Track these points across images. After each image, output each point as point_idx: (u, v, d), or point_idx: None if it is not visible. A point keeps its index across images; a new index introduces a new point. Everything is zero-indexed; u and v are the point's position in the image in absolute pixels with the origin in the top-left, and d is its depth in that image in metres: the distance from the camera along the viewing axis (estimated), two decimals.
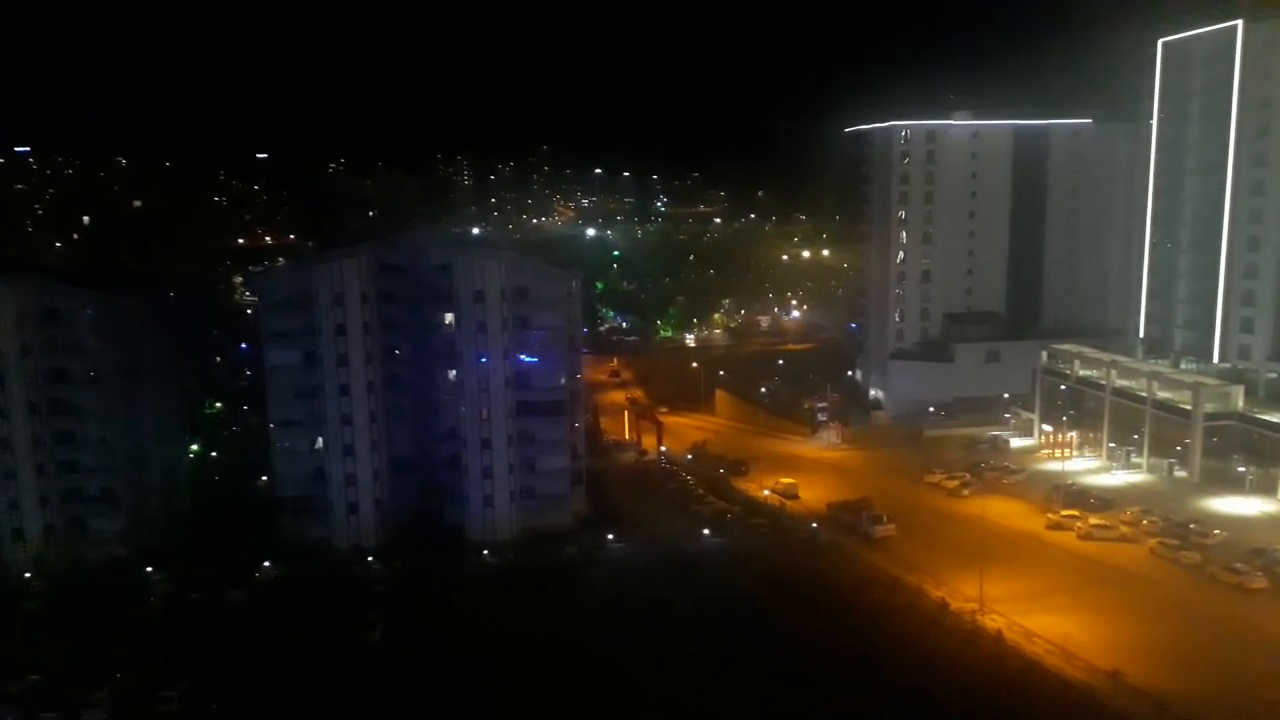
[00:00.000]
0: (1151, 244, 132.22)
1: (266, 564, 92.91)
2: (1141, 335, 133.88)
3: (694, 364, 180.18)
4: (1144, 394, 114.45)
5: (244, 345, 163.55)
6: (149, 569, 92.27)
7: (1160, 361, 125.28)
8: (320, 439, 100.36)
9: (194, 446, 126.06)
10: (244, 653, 76.48)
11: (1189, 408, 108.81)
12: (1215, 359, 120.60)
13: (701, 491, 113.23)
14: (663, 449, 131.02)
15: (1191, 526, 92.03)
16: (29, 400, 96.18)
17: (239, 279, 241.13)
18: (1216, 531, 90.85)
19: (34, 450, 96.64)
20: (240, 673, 73.45)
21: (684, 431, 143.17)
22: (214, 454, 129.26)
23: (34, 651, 77.33)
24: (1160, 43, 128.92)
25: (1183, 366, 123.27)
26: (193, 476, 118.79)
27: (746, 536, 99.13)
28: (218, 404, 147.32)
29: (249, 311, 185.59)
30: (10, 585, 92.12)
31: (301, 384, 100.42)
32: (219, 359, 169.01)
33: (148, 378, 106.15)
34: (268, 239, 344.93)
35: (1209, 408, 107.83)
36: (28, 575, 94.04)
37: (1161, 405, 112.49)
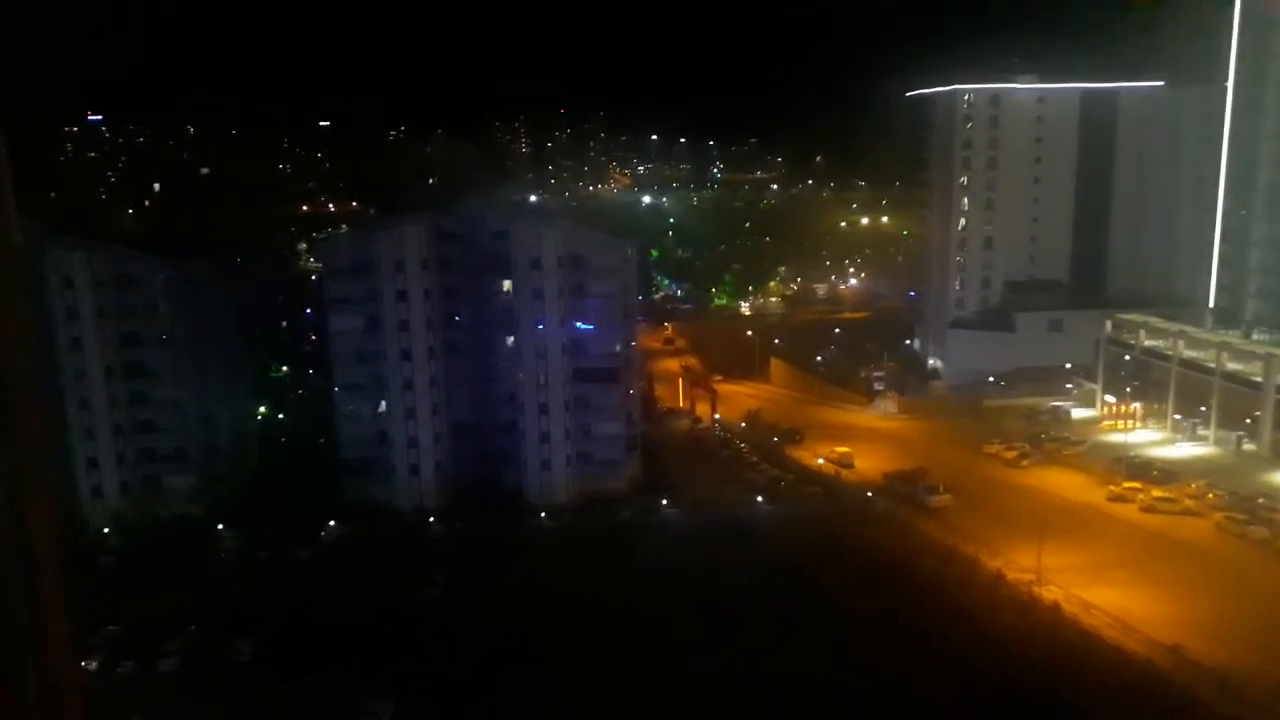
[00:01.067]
0: (1224, 211, 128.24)
1: (331, 523, 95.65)
2: (1211, 305, 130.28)
3: (749, 332, 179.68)
4: (1212, 365, 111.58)
5: (309, 310, 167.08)
6: (219, 526, 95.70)
7: (1230, 332, 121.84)
8: (383, 402, 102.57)
9: (261, 409, 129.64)
10: (309, 608, 79.11)
11: (1260, 379, 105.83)
12: None
13: (755, 459, 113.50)
14: (717, 417, 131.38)
15: (1260, 501, 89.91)
16: (105, 363, 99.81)
17: (303, 245, 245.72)
18: None
19: (110, 411, 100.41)
20: (306, 627, 76.01)
21: (738, 400, 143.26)
22: (280, 416, 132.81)
23: (111, 604, 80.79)
24: (1238, 2, 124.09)
25: (1254, 337, 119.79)
26: (260, 438, 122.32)
27: (800, 504, 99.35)
28: (284, 368, 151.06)
29: (313, 277, 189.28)
30: (89, 540, 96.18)
31: (364, 349, 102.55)
32: (285, 324, 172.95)
33: (216, 341, 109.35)
34: (331, 206, 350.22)
35: None
36: (105, 530, 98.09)
37: (1231, 376, 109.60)
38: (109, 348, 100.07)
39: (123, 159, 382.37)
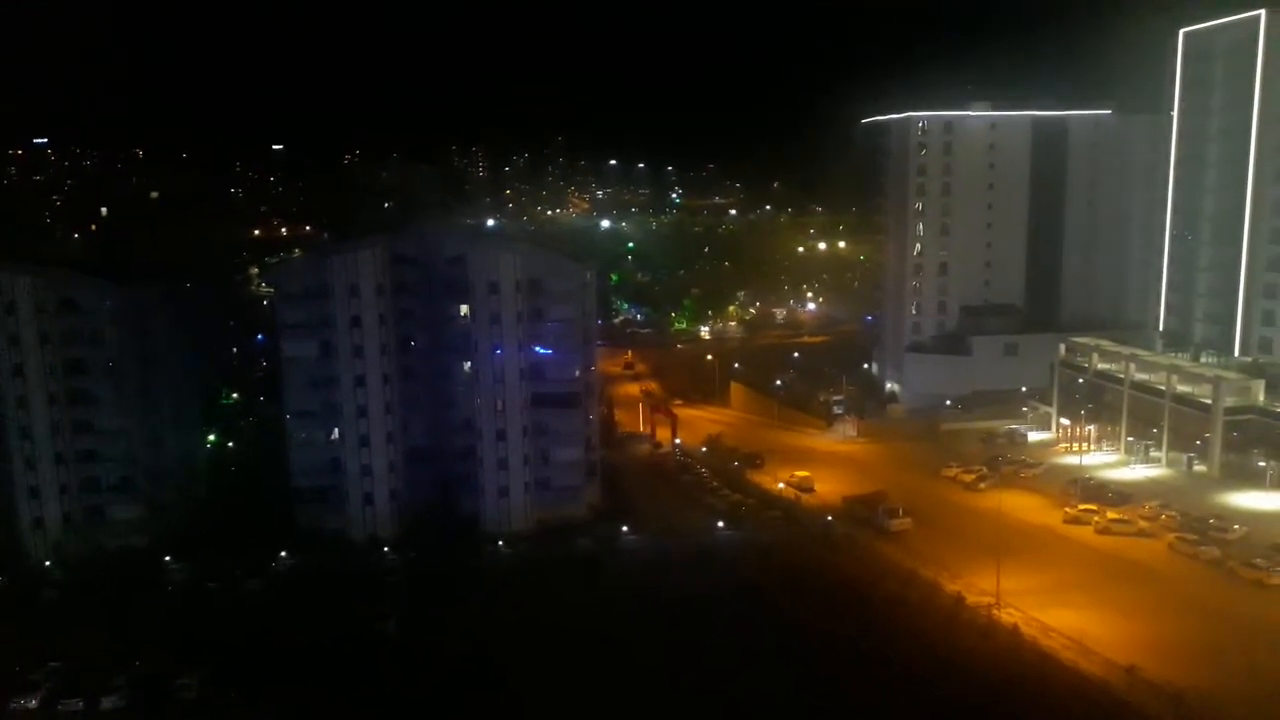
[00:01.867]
0: (1172, 236, 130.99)
1: (282, 553, 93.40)
2: (1161, 329, 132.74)
3: (709, 356, 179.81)
4: (1163, 388, 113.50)
5: (260, 336, 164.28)
6: (166, 558, 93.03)
7: (1180, 355, 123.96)
8: (336, 430, 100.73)
9: (211, 436, 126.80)
10: (260, 642, 76.87)
11: (1209, 402, 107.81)
12: (1236, 353, 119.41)
13: (716, 484, 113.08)
14: (677, 441, 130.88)
15: (1211, 521, 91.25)
16: (48, 390, 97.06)
17: (255, 270, 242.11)
18: (1236, 526, 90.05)
19: (53, 439, 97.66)
20: (256, 661, 73.80)
21: (699, 424, 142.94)
22: (231, 444, 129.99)
23: (54, 639, 78.07)
24: (1181, 33, 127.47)
25: (1203, 360, 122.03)
26: (210, 466, 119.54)
27: (761, 529, 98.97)
28: (234, 394, 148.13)
29: (265, 302, 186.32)
30: (30, 573, 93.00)
31: (317, 375, 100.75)
32: (236, 350, 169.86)
33: (165, 368, 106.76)
34: (283, 230, 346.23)
35: (1229, 402, 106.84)
36: (47, 563, 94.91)
37: (1181, 399, 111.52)
38: (52, 375, 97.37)
39: (69, 182, 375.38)
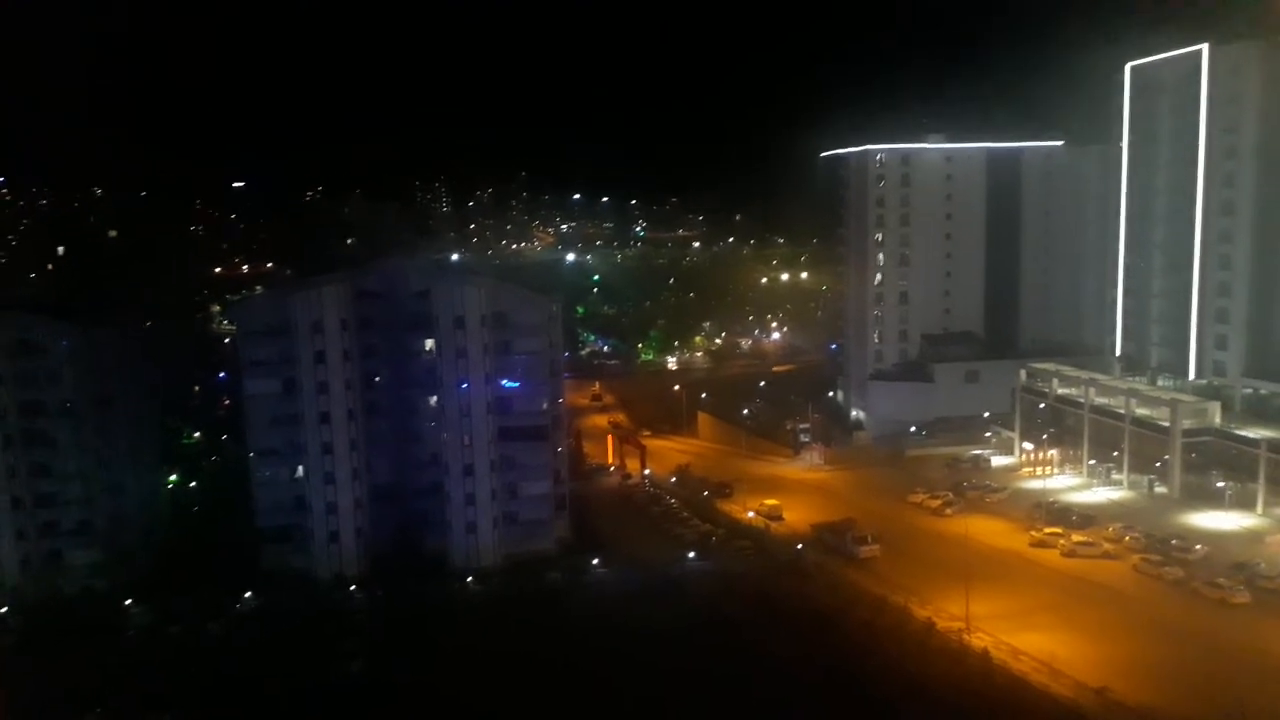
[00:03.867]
0: (1125, 264, 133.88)
1: (247, 594, 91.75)
2: (1118, 353, 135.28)
3: (676, 387, 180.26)
4: (1122, 411, 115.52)
5: (222, 374, 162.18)
6: (127, 601, 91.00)
7: (1137, 379, 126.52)
8: (300, 467, 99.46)
9: (173, 477, 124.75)
10: (223, 685, 75.31)
11: (1167, 424, 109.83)
12: (1191, 376, 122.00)
13: (686, 514, 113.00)
14: (646, 472, 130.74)
15: (1173, 542, 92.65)
16: (3, 433, 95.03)
17: (216, 308, 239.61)
18: (1198, 547, 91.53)
19: (9, 483, 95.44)
20: (220, 706, 72.31)
21: (667, 454, 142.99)
22: (193, 484, 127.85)
23: (10, 687, 75.97)
24: (1128, 67, 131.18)
25: (1159, 384, 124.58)
26: (171, 507, 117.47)
27: (731, 559, 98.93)
28: (196, 434, 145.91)
29: (227, 340, 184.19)
30: None
31: (281, 412, 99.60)
32: (197, 388, 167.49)
33: (125, 409, 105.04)
34: (245, 267, 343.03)
35: (1187, 424, 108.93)
36: (4, 609, 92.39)
37: (1140, 422, 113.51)
38: (8, 416, 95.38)
39: (24, 221, 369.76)
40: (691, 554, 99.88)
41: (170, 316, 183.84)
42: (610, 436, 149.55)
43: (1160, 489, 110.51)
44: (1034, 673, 71.30)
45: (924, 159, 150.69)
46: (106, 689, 74.86)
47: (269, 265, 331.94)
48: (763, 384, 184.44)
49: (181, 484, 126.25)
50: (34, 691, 74.88)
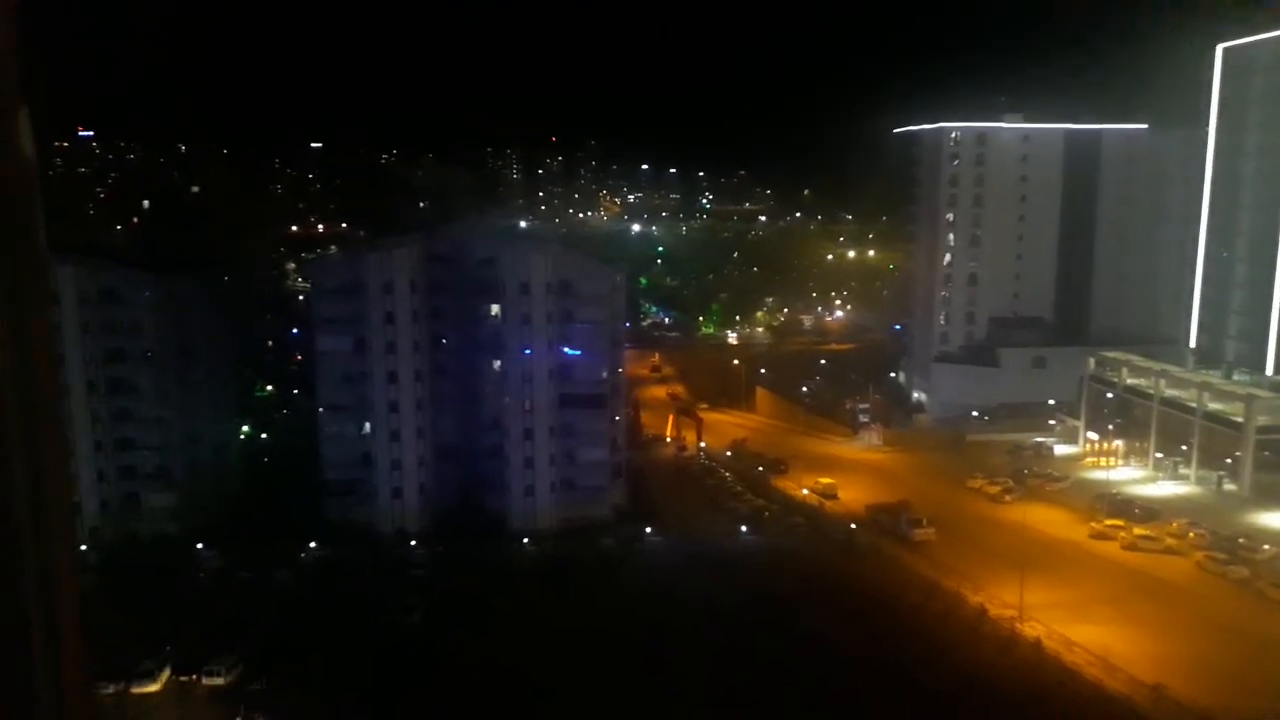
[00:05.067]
0: (1206, 253, 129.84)
1: (312, 544, 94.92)
2: (1193, 345, 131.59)
3: (735, 361, 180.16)
4: (1194, 404, 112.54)
5: (295, 330, 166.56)
6: (199, 545, 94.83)
7: (1211, 372, 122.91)
8: (367, 424, 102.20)
9: (245, 428, 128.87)
10: (289, 629, 78.31)
11: (1240, 420, 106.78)
12: (1269, 371, 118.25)
13: (740, 489, 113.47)
14: (702, 445, 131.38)
15: (1240, 541, 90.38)
16: (87, 378, 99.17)
17: (292, 265, 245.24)
18: (1266, 547, 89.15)
19: (92, 427, 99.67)
20: (285, 649, 75.23)
21: (724, 428, 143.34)
22: (264, 436, 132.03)
23: (88, 623, 79.83)
24: (1220, 48, 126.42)
25: (1235, 378, 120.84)
26: (243, 457, 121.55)
27: (784, 535, 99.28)
28: (269, 387, 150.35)
29: (301, 297, 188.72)
30: None
31: (350, 369, 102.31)
32: (271, 343, 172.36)
33: (202, 360, 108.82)
34: (320, 227, 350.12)
35: (1261, 420, 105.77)
36: (83, 547, 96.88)
37: (1212, 416, 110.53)
38: (92, 363, 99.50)
39: (112, 175, 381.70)
40: (744, 528, 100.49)
41: (248, 272, 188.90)
42: (669, 408, 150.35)
43: (1229, 486, 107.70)
44: (1087, 666, 70.44)
45: (1000, 139, 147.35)
46: (176, 628, 78.33)
47: (343, 226, 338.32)
48: (823, 362, 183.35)
49: (253, 435, 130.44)
50: (108, 628, 78.67)
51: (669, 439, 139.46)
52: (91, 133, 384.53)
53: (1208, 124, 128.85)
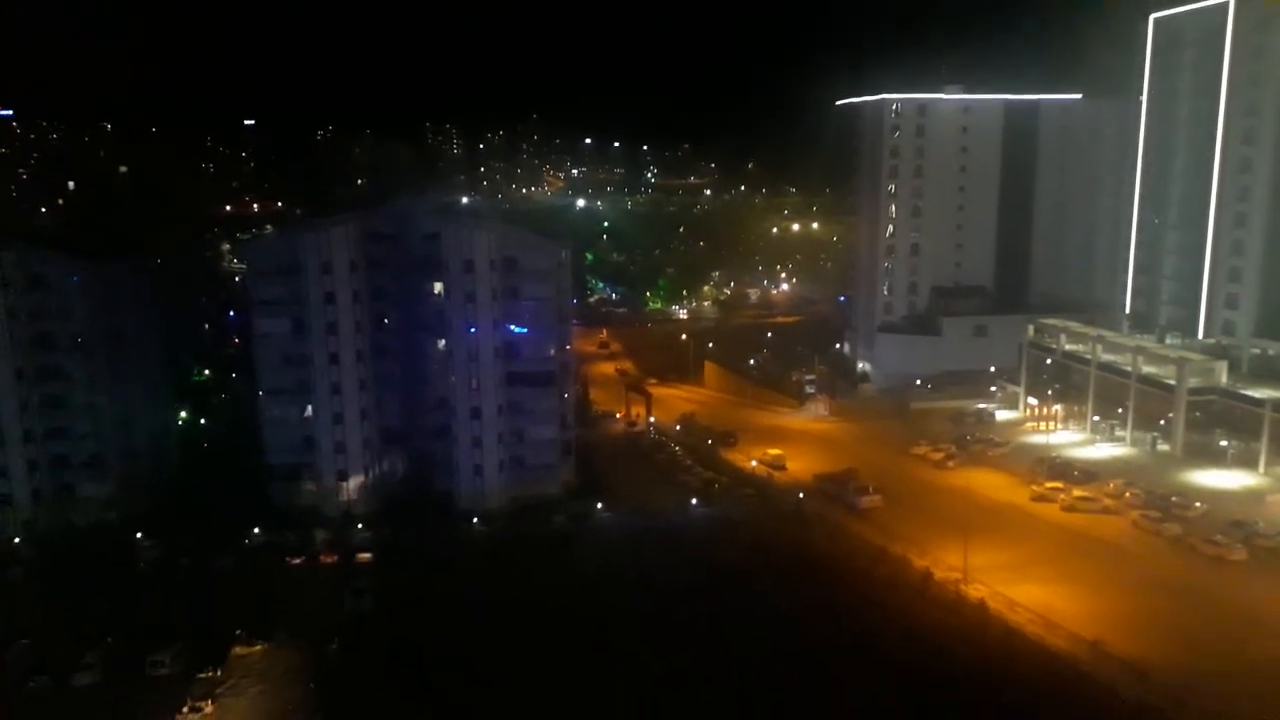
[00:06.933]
0: (1139, 220, 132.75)
1: (255, 530, 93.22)
2: (1127, 311, 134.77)
3: (683, 336, 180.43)
4: (1129, 368, 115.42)
5: (232, 313, 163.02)
6: (138, 535, 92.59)
7: (1145, 337, 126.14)
8: (309, 407, 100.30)
9: (183, 414, 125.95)
10: (232, 618, 76.79)
11: (1173, 382, 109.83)
12: (1200, 335, 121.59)
13: (690, 462, 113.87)
14: (651, 420, 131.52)
15: (1173, 499, 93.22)
16: (15, 366, 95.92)
17: (227, 246, 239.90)
18: (1197, 504, 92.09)
19: (21, 416, 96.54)
20: (229, 637, 73.76)
21: (673, 403, 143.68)
22: (203, 421, 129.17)
23: (23, 616, 77.72)
24: (1152, 19, 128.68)
25: (1168, 342, 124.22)
26: (181, 443, 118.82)
27: (734, 507, 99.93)
28: (206, 372, 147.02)
29: (237, 279, 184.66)
30: None
31: (290, 352, 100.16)
32: (208, 327, 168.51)
33: (135, 345, 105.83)
34: (255, 206, 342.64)
35: (1193, 382, 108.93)
36: (16, 540, 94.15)
37: (1146, 380, 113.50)
38: (20, 350, 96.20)
39: (35, 156, 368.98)
40: (694, 501, 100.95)
41: (181, 254, 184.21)
42: (618, 384, 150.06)
43: (1163, 447, 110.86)
44: (1030, 624, 72.28)
45: (940, 109, 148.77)
46: (116, 619, 76.45)
47: (279, 204, 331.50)
48: (770, 335, 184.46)
49: (192, 421, 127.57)
50: (46, 621, 76.53)
51: (619, 415, 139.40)
52: (10, 112, 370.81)
53: (1140, 94, 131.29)
